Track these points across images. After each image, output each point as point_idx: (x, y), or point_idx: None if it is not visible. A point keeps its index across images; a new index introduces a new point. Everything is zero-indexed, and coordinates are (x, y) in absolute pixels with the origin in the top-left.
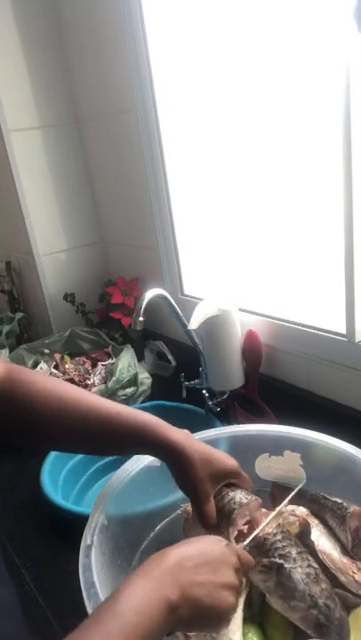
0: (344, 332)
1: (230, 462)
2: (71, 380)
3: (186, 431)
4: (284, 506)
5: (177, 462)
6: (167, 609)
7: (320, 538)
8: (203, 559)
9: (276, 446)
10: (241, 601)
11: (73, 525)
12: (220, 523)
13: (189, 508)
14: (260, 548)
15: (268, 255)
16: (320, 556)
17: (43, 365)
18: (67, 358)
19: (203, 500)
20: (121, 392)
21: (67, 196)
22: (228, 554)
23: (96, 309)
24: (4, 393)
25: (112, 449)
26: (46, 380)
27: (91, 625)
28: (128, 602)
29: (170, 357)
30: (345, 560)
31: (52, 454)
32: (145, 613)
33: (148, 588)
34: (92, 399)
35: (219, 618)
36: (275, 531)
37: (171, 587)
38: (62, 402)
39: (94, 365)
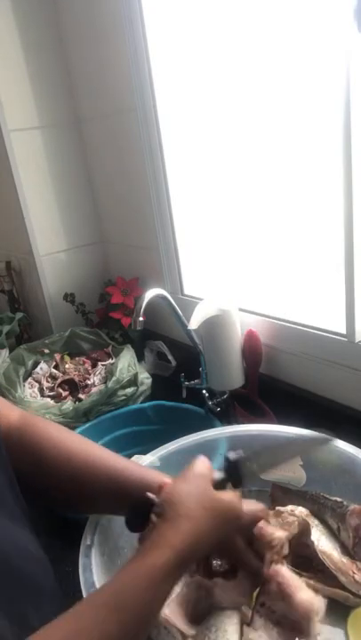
0: (344, 331)
1: (251, 507)
2: (71, 380)
3: None
4: None
5: None
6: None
7: (320, 538)
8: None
9: None
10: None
11: (73, 525)
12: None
13: None
14: None
15: (268, 255)
16: (320, 556)
17: (43, 365)
18: (67, 358)
19: (242, 558)
20: (121, 392)
21: (67, 195)
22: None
23: (96, 309)
24: (17, 439)
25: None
26: (56, 428)
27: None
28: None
29: (170, 357)
30: (345, 560)
31: None
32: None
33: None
34: (99, 451)
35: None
36: None
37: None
38: (70, 451)
39: (94, 365)
